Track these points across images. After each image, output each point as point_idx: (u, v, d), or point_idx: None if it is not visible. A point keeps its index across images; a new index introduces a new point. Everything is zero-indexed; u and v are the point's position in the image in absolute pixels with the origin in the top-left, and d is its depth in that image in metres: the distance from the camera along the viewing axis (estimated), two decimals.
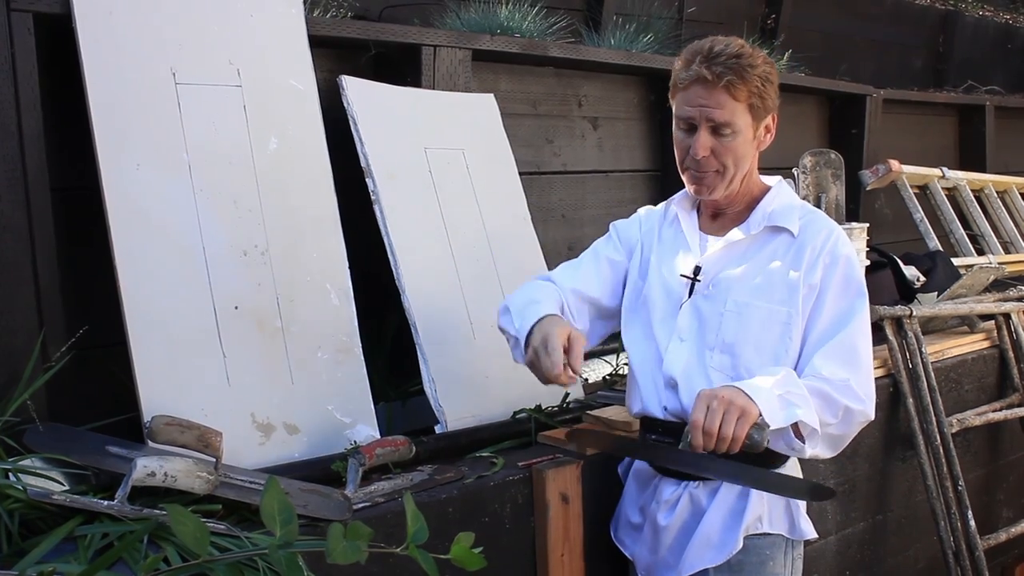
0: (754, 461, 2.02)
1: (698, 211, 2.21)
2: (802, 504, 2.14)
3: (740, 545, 2.06)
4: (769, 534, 2.09)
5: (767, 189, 2.16)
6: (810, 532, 2.13)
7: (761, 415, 1.82)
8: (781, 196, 2.14)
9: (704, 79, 1.98)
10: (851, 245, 2.11)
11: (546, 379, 1.97)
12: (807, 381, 1.95)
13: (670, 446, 2.02)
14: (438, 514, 2.04)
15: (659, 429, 2.13)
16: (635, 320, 2.20)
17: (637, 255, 2.24)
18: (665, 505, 2.14)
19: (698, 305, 2.09)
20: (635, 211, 2.36)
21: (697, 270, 2.10)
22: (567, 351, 1.95)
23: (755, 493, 2.08)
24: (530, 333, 2.04)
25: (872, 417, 2.04)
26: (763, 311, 2.03)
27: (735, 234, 2.11)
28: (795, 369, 2.02)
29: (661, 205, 2.29)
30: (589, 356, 3.17)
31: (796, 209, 2.12)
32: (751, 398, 1.82)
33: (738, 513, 2.08)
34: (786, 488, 2.01)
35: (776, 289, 2.05)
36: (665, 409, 2.11)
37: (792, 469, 2.16)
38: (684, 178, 2.12)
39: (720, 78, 1.97)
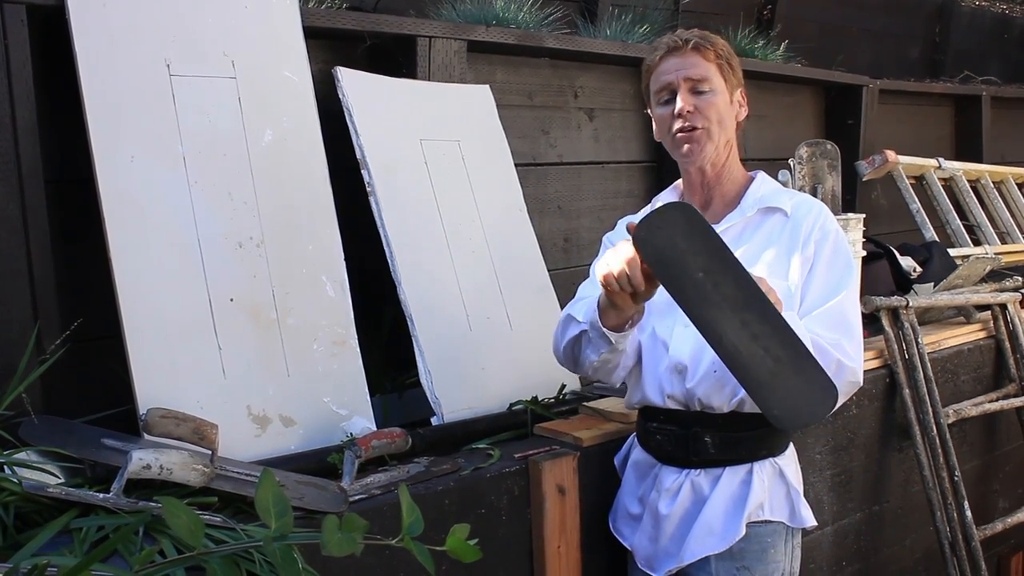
0: (758, 441, 2.09)
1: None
2: (802, 492, 2.16)
3: (743, 532, 2.07)
4: (770, 521, 2.11)
5: (750, 179, 2.22)
6: (810, 520, 2.15)
7: None
8: (767, 183, 2.21)
9: (675, 46, 2.13)
10: (836, 222, 2.18)
11: (625, 287, 1.90)
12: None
13: (742, 275, 1.82)
14: (434, 506, 2.04)
15: (660, 417, 2.15)
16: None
17: None
18: (667, 493, 2.15)
19: None
20: (630, 202, 2.37)
21: None
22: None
23: (757, 480, 2.09)
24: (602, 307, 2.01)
25: (861, 383, 2.08)
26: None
27: (731, 217, 2.15)
28: None
29: (642, 212, 2.32)
30: None
31: (784, 192, 2.19)
32: None
33: (740, 500, 2.09)
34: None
35: (775, 265, 2.09)
36: (668, 397, 2.12)
37: (790, 460, 2.17)
38: (675, 152, 2.17)
39: (687, 43, 2.12)
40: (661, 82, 2.15)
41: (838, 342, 2.01)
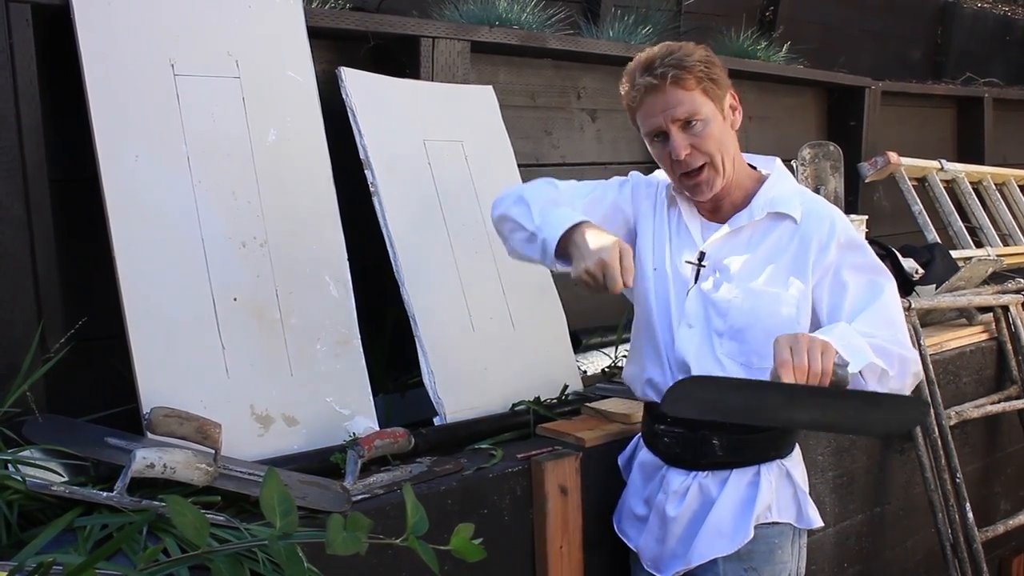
0: (765, 443, 2.07)
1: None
2: (808, 492, 2.15)
3: (752, 534, 2.06)
4: (778, 523, 2.10)
5: (760, 176, 2.16)
6: (817, 520, 2.14)
7: (839, 353, 1.80)
8: (782, 183, 2.14)
9: (651, 86, 2.00)
10: (853, 227, 2.13)
11: (600, 292, 1.90)
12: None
13: (774, 386, 1.85)
14: (437, 506, 2.04)
15: (668, 419, 2.13)
16: (643, 299, 2.19)
17: (647, 222, 2.20)
18: (674, 495, 2.14)
19: (704, 291, 2.09)
20: None
21: (702, 256, 2.10)
22: (621, 262, 1.88)
23: (764, 482, 2.08)
24: (566, 242, 1.96)
25: (922, 374, 2.02)
26: (770, 297, 2.03)
27: (739, 220, 2.11)
28: None
29: (655, 182, 2.25)
30: (588, 349, 3.18)
31: (796, 195, 2.13)
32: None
33: (748, 502, 2.09)
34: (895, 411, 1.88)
35: (782, 274, 2.05)
36: None
37: (796, 462, 2.17)
38: (680, 186, 2.11)
39: (664, 78, 1.99)
40: (649, 125, 2.05)
41: (894, 338, 1.96)
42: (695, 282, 2.10)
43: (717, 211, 2.16)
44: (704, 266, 2.10)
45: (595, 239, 1.92)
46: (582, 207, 2.14)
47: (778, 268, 2.06)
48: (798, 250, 2.06)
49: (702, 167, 2.04)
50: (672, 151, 2.03)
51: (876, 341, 1.92)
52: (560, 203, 2.09)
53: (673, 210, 2.20)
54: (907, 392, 1.99)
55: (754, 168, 2.19)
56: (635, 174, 2.29)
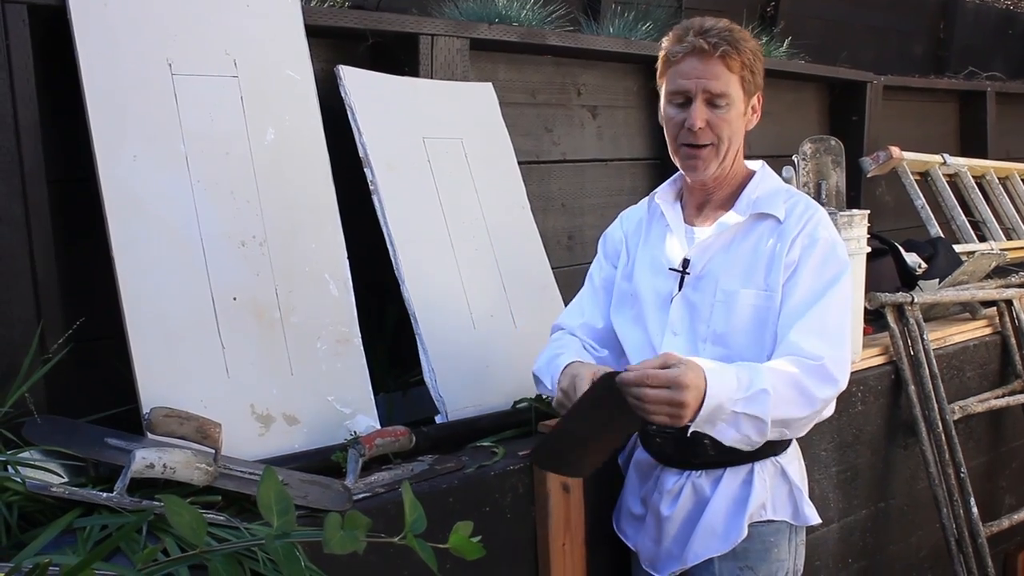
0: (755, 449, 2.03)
1: (681, 204, 2.20)
2: (805, 490, 2.14)
3: (745, 533, 2.05)
4: (773, 520, 2.09)
5: (750, 174, 2.15)
6: (814, 518, 2.13)
7: (690, 424, 1.82)
8: (765, 182, 2.13)
9: (701, 49, 1.99)
10: (833, 228, 2.09)
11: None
12: (782, 367, 1.91)
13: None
14: (438, 504, 2.03)
15: (653, 425, 2.12)
16: (626, 319, 2.19)
17: (623, 256, 2.24)
18: (668, 495, 2.13)
19: (688, 297, 2.08)
20: (633, 199, 2.36)
21: (686, 263, 2.09)
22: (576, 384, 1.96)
23: (758, 480, 2.08)
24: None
25: (843, 388, 1.99)
26: (750, 298, 2.02)
27: (722, 224, 2.09)
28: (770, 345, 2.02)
29: (642, 203, 2.29)
30: None
31: (781, 193, 2.11)
32: (701, 405, 1.81)
33: (742, 501, 2.07)
34: None
35: (761, 275, 2.04)
36: None
37: (793, 459, 2.16)
38: (677, 159, 2.11)
39: (716, 48, 1.98)
40: (678, 85, 2.03)
41: (820, 364, 1.92)
42: (679, 289, 2.09)
43: (703, 207, 2.15)
44: (688, 273, 2.08)
45: (571, 371, 2.02)
46: (579, 322, 2.28)
47: (757, 269, 2.04)
48: (777, 249, 2.04)
49: (706, 145, 2.04)
50: (689, 118, 2.02)
51: (801, 381, 1.90)
52: (560, 353, 2.16)
53: (659, 221, 2.20)
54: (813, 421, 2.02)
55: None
56: (601, 243, 2.34)
